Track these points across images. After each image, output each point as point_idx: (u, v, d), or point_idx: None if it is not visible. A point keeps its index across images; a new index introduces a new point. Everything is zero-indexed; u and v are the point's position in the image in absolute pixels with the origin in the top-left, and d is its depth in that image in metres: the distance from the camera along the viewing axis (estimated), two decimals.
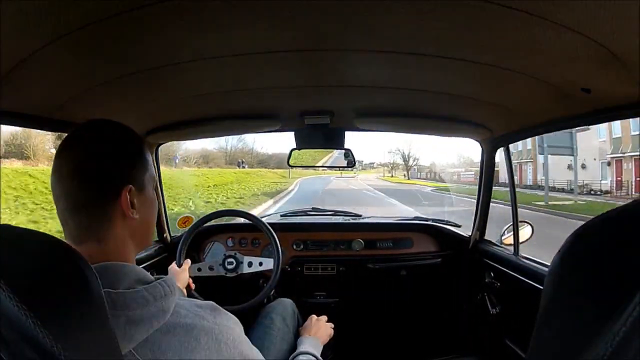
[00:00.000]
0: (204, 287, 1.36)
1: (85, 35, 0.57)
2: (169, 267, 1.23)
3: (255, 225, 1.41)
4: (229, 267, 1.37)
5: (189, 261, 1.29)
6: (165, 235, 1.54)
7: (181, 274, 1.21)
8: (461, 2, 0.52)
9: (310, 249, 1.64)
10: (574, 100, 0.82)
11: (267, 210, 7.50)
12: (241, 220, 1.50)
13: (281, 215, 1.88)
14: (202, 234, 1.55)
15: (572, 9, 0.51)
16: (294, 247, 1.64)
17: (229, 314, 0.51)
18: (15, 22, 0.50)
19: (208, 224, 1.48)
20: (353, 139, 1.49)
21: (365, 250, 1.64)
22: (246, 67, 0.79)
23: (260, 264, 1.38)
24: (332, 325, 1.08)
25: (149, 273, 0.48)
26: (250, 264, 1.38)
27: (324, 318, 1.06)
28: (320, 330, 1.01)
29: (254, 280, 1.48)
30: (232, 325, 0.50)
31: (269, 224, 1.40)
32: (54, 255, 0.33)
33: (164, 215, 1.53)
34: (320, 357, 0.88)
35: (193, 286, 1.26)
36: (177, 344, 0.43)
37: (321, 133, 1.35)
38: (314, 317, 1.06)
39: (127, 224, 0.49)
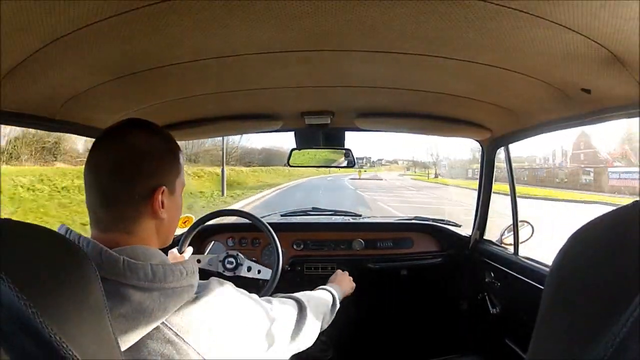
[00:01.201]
0: None
1: (86, 35, 0.56)
2: (169, 252, 1.22)
3: (255, 225, 1.41)
4: (229, 266, 1.37)
5: (191, 249, 1.28)
6: None
7: (179, 260, 1.21)
8: (461, 2, 0.52)
9: (311, 248, 1.64)
10: (574, 101, 0.82)
11: None
12: (241, 219, 1.50)
13: (281, 215, 1.88)
14: (202, 234, 1.55)
15: (572, 9, 0.51)
16: (294, 247, 1.64)
17: (235, 287, 0.57)
18: (15, 22, 0.50)
19: (208, 223, 1.48)
20: (354, 134, 1.45)
21: (366, 250, 1.64)
22: (246, 67, 0.79)
23: (259, 271, 1.38)
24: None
25: None
26: (249, 269, 1.38)
27: (347, 273, 1.09)
28: (344, 282, 1.04)
29: (253, 280, 1.48)
30: (241, 294, 0.57)
31: (269, 223, 1.40)
32: (53, 247, 0.34)
33: None
34: (338, 299, 0.90)
35: None
36: (201, 313, 0.48)
37: (321, 133, 1.35)
38: (339, 271, 1.09)
39: (154, 222, 0.52)
